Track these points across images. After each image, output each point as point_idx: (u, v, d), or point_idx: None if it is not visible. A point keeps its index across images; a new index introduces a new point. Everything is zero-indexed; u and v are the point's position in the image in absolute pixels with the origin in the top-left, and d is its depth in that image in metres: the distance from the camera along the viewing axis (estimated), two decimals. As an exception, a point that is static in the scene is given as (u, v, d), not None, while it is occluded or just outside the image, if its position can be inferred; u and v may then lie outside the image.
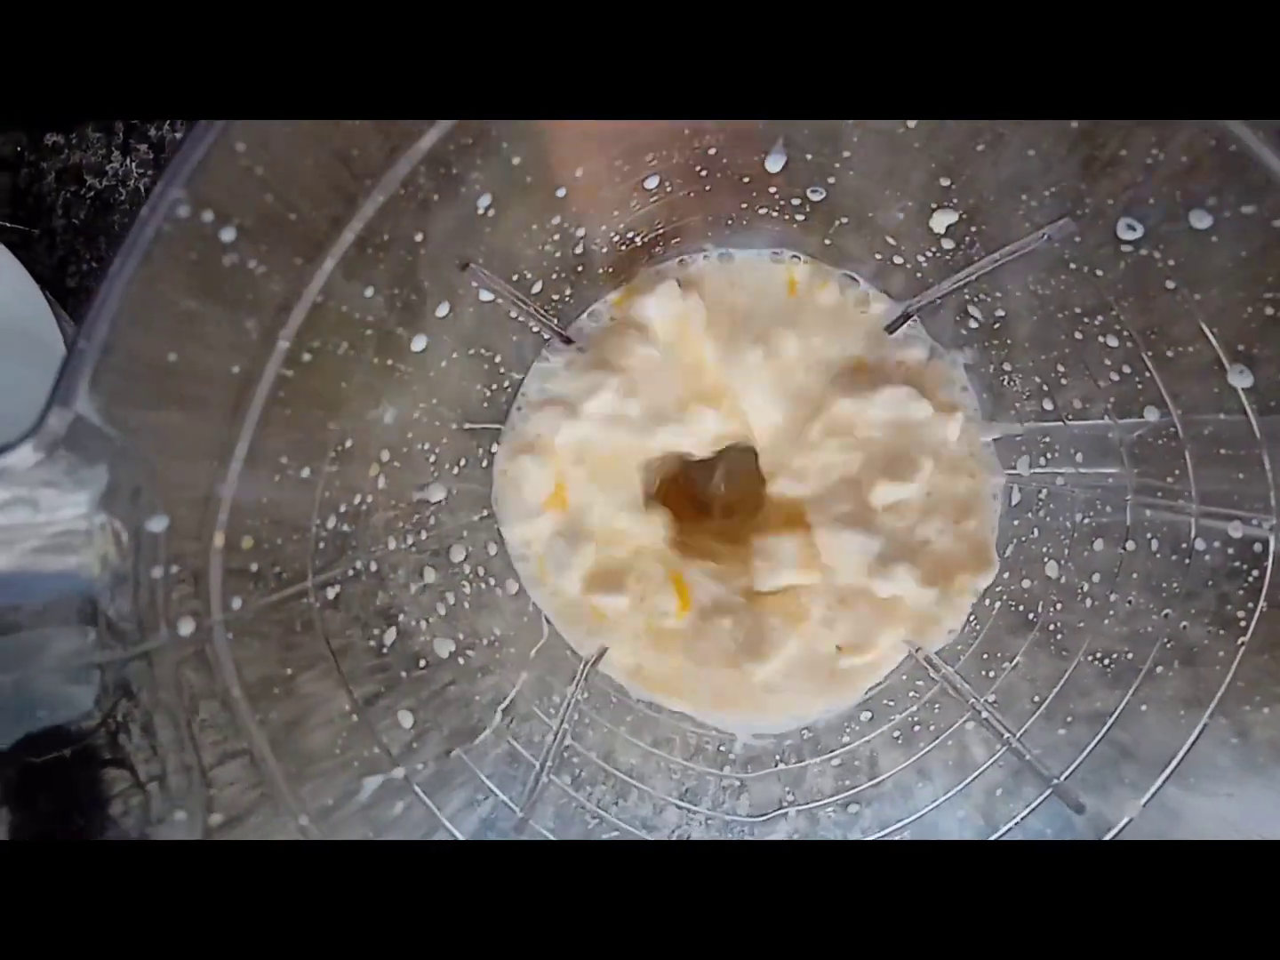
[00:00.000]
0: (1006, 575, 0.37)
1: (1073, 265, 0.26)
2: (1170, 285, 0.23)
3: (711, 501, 0.46)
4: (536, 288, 0.32)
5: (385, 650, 0.27)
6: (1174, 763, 0.24)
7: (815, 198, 0.33)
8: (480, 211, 0.23)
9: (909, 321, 0.38)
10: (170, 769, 0.18)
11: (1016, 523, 0.38)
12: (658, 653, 0.40)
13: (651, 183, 0.30)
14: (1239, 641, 0.24)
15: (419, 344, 0.26)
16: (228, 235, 0.14)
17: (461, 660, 0.31)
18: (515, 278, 0.29)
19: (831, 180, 0.32)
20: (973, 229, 0.29)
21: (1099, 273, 0.25)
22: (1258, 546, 0.24)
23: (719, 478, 0.45)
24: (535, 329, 0.35)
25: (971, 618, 0.38)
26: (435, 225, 0.21)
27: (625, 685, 0.40)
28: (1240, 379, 0.22)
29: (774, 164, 0.29)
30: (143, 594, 0.17)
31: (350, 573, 0.25)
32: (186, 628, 0.18)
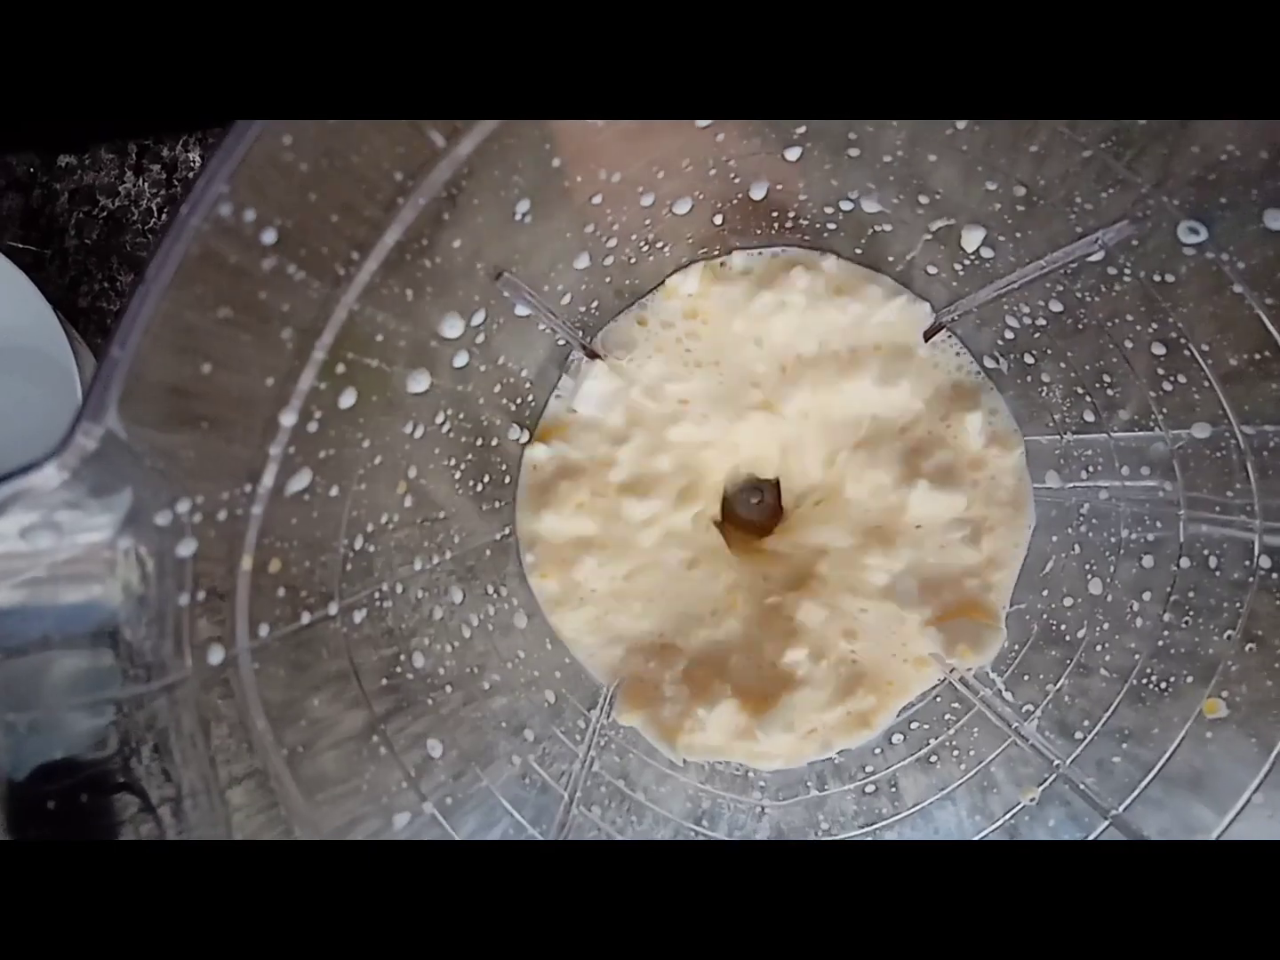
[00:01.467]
0: (1046, 593, 0.36)
1: (1127, 271, 0.25)
2: (1237, 290, 0.22)
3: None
4: (566, 299, 0.31)
5: (411, 675, 0.25)
6: (1245, 797, 0.23)
7: (846, 208, 0.32)
8: (518, 217, 0.22)
9: (942, 331, 0.37)
10: (185, 794, 0.17)
11: (1055, 538, 0.36)
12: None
13: (681, 190, 0.29)
14: (1314, 665, 0.22)
15: (460, 359, 0.25)
16: (268, 238, 0.13)
17: (487, 686, 0.30)
18: (546, 289, 0.28)
19: (863, 190, 0.31)
20: (1017, 235, 0.28)
21: (1156, 278, 0.24)
22: (1331, 564, 0.22)
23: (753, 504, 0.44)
24: (561, 342, 0.35)
25: (1009, 643, 0.37)
26: (472, 232, 0.20)
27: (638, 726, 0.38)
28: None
29: (792, 154, 0.28)
30: (167, 623, 0.15)
31: (376, 595, 0.24)
32: (215, 657, 0.17)
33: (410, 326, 0.21)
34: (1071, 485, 0.35)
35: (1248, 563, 0.25)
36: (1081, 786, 0.28)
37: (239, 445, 0.16)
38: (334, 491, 0.21)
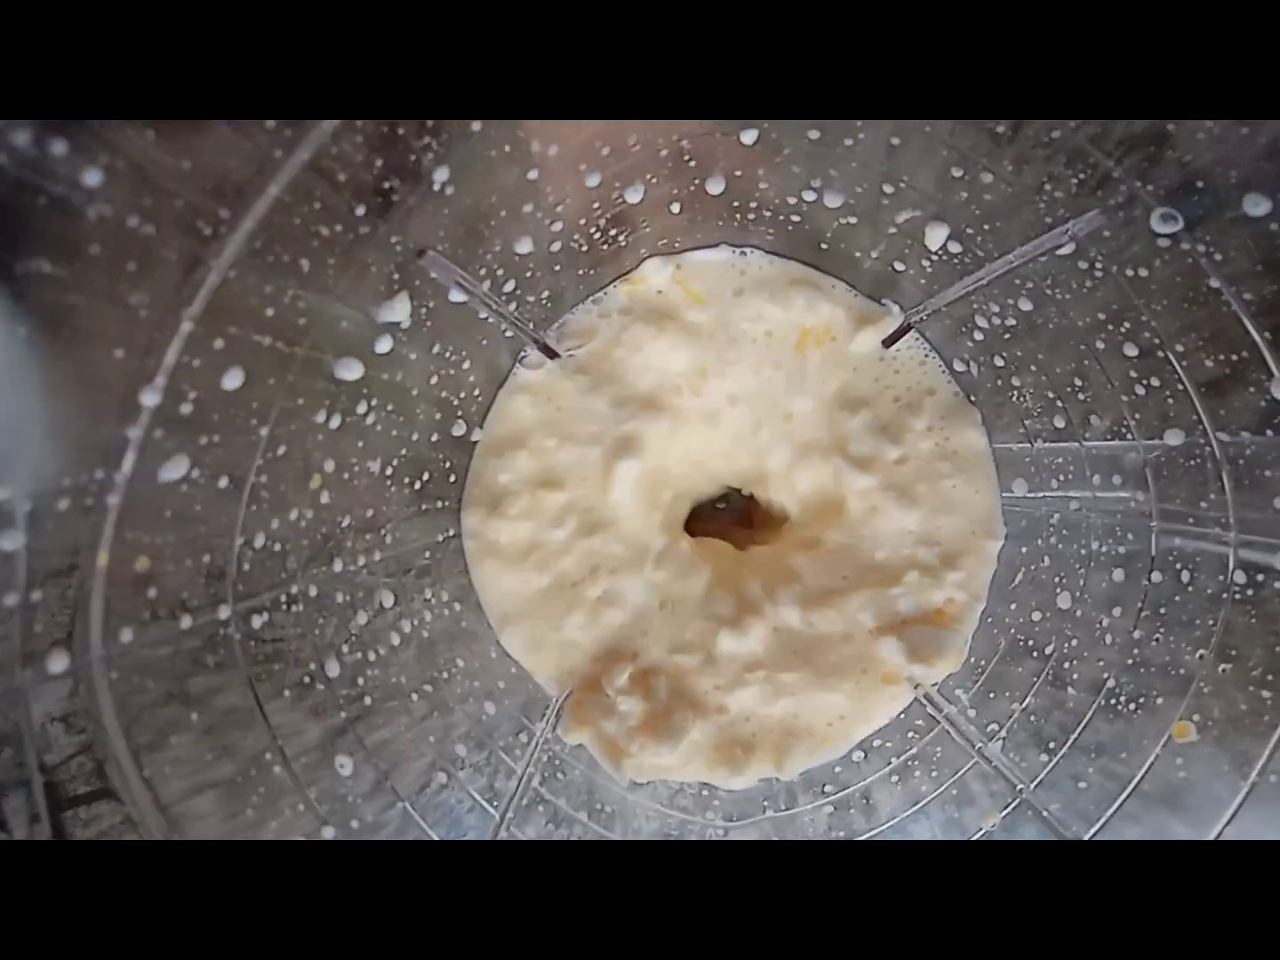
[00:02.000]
0: (1014, 606, 0.34)
1: (1099, 265, 0.23)
2: (1213, 284, 0.20)
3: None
4: (509, 286, 0.29)
5: (321, 685, 0.23)
6: (1218, 828, 0.21)
7: (809, 198, 0.31)
8: (436, 188, 0.20)
9: (909, 334, 0.36)
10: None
11: (1025, 549, 0.35)
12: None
13: (631, 173, 0.27)
14: (1292, 689, 0.21)
15: (382, 345, 0.23)
16: (92, 179, 0.11)
17: (415, 697, 0.28)
18: (483, 272, 0.26)
19: (825, 179, 0.29)
20: (985, 227, 0.26)
21: (1129, 272, 0.23)
22: (1310, 580, 0.21)
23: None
24: (509, 334, 0.33)
25: (974, 658, 0.35)
26: (381, 202, 0.18)
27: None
28: (1260, 396, 0.20)
29: (748, 136, 0.27)
30: (-8, 625, 0.13)
31: (282, 598, 0.22)
32: (57, 665, 0.15)
33: (313, 303, 0.19)
34: (1042, 495, 0.34)
35: (1222, 577, 0.24)
36: (1045, 813, 0.26)
37: (83, 425, 0.14)
38: (223, 483, 0.19)
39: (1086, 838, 0.25)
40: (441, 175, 0.20)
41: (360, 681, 0.25)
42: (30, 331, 0.12)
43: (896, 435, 0.37)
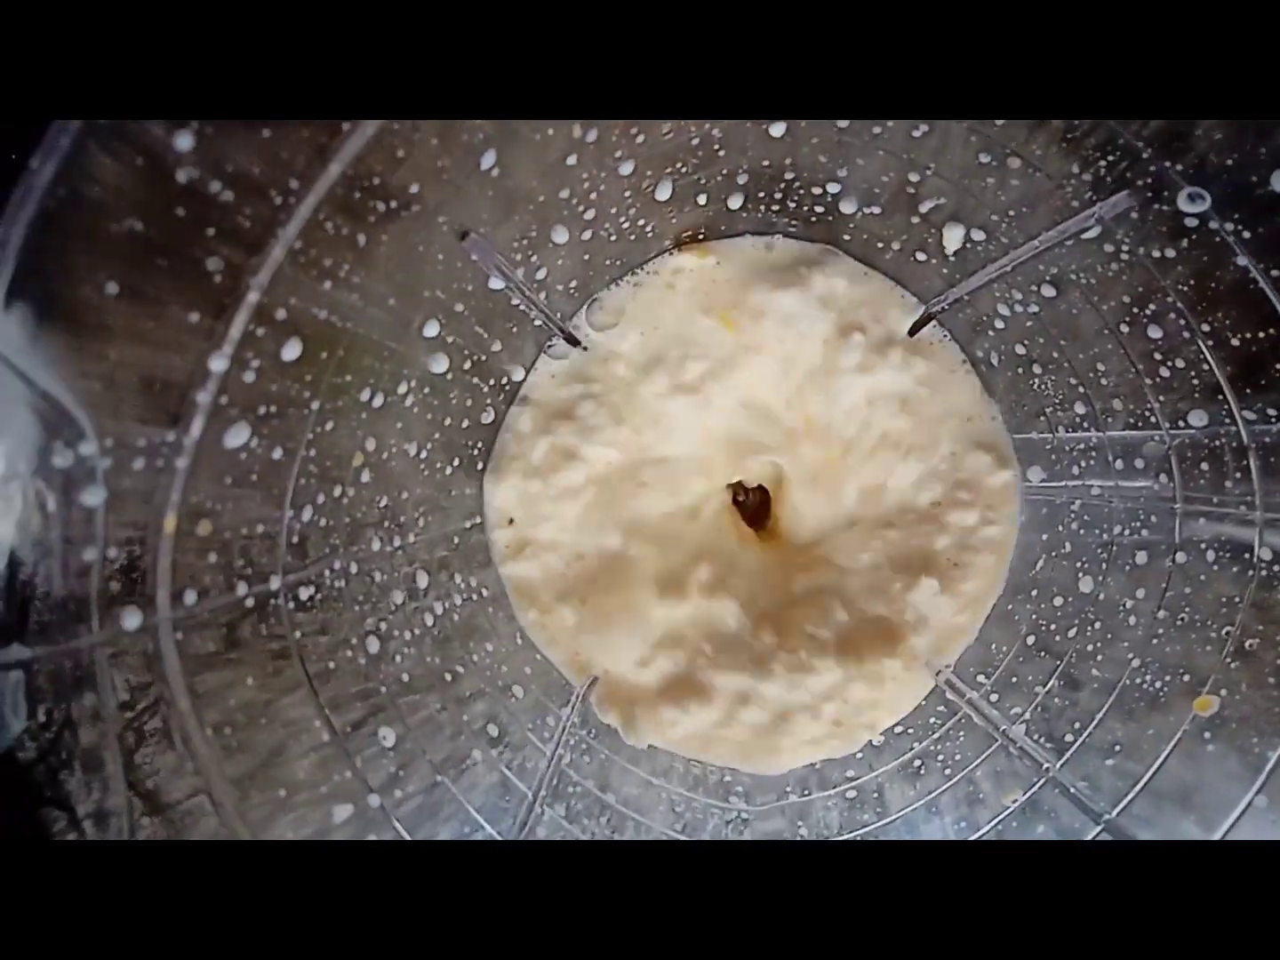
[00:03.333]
0: (1035, 593, 0.35)
1: (1125, 248, 0.24)
2: (1241, 262, 0.21)
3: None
4: (541, 274, 0.29)
5: (365, 664, 0.24)
6: (1243, 804, 0.22)
7: (834, 190, 0.31)
8: (484, 168, 0.20)
9: (931, 323, 0.36)
10: (108, 797, 0.15)
11: (1045, 536, 0.35)
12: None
13: (662, 159, 0.28)
14: (1319, 662, 0.21)
15: (430, 329, 0.24)
16: (184, 142, 0.12)
17: (449, 677, 0.28)
18: (518, 258, 0.26)
19: (852, 167, 0.30)
20: (1010, 214, 0.27)
21: (1155, 254, 0.23)
22: (1337, 555, 0.21)
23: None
24: (538, 322, 0.33)
25: (995, 645, 0.36)
26: (431, 177, 0.19)
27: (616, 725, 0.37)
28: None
29: (777, 129, 0.27)
30: (72, 579, 0.14)
31: (327, 573, 0.23)
32: (130, 621, 0.15)
33: (364, 279, 0.19)
34: (1063, 483, 0.34)
35: (1247, 555, 0.24)
36: (1072, 790, 0.26)
37: (158, 387, 0.14)
38: (277, 454, 0.19)
39: (1113, 814, 0.25)
40: (489, 159, 0.20)
41: (398, 659, 0.26)
42: (118, 290, 0.12)
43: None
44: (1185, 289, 0.23)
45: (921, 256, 0.33)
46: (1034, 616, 0.34)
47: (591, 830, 0.30)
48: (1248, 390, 0.23)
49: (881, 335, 0.37)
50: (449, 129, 0.18)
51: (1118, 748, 0.26)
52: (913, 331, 0.37)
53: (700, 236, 0.36)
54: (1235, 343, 0.23)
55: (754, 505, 0.43)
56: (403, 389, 0.25)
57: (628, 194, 0.28)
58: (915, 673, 0.37)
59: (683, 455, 0.39)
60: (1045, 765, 0.28)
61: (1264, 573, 0.24)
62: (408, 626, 0.27)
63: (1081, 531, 0.33)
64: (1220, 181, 0.20)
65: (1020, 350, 0.33)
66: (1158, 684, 0.26)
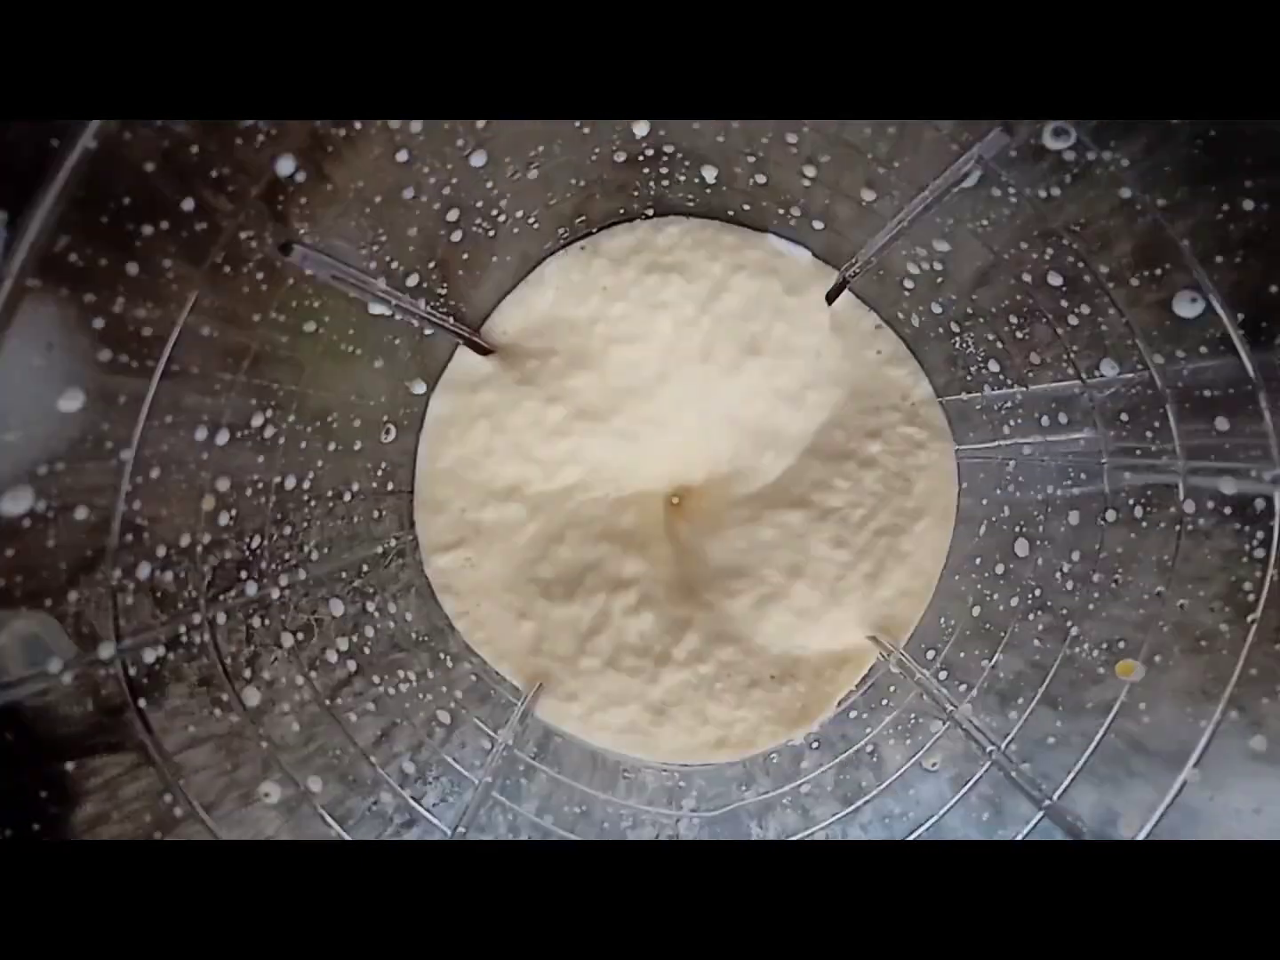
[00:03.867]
0: (979, 561, 0.33)
1: (1011, 191, 0.22)
2: (1124, 193, 0.19)
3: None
4: (412, 280, 0.28)
5: (237, 720, 0.22)
6: (1185, 770, 0.20)
7: (718, 157, 0.30)
8: (283, 176, 0.18)
9: (845, 291, 0.35)
10: None
11: (985, 501, 0.34)
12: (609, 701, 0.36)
13: (523, 148, 0.26)
14: (1249, 619, 0.20)
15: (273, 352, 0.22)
16: None
17: (354, 718, 0.27)
18: (373, 265, 0.25)
19: (727, 133, 0.28)
20: (894, 164, 0.25)
21: (1041, 194, 0.21)
22: (1259, 503, 0.20)
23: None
24: (428, 332, 0.31)
25: (943, 619, 0.34)
26: (214, 196, 0.17)
27: (564, 729, 0.35)
28: (1191, 308, 0.18)
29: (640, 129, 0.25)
30: None
31: (183, 629, 0.21)
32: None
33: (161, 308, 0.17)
34: (996, 443, 0.32)
35: (1173, 509, 0.23)
36: (1014, 774, 0.25)
37: None
38: (80, 514, 0.17)
39: (1056, 797, 0.23)
40: (286, 165, 0.18)
41: (285, 707, 0.24)
42: None
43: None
44: (1077, 229, 0.21)
45: (819, 225, 0.31)
46: (979, 587, 0.33)
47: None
48: (1154, 332, 0.21)
49: (797, 307, 0.35)
50: (224, 140, 0.16)
51: (1059, 723, 0.25)
52: (830, 300, 0.35)
53: (589, 225, 0.34)
54: (1135, 282, 0.21)
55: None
56: (257, 421, 0.23)
57: (491, 185, 0.27)
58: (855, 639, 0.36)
59: (606, 458, 0.37)
60: (990, 748, 0.27)
61: (1190, 527, 0.22)
62: (300, 669, 0.26)
63: (1017, 494, 0.31)
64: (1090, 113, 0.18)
65: (936, 309, 0.31)
66: (1095, 653, 0.25)
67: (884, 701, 0.34)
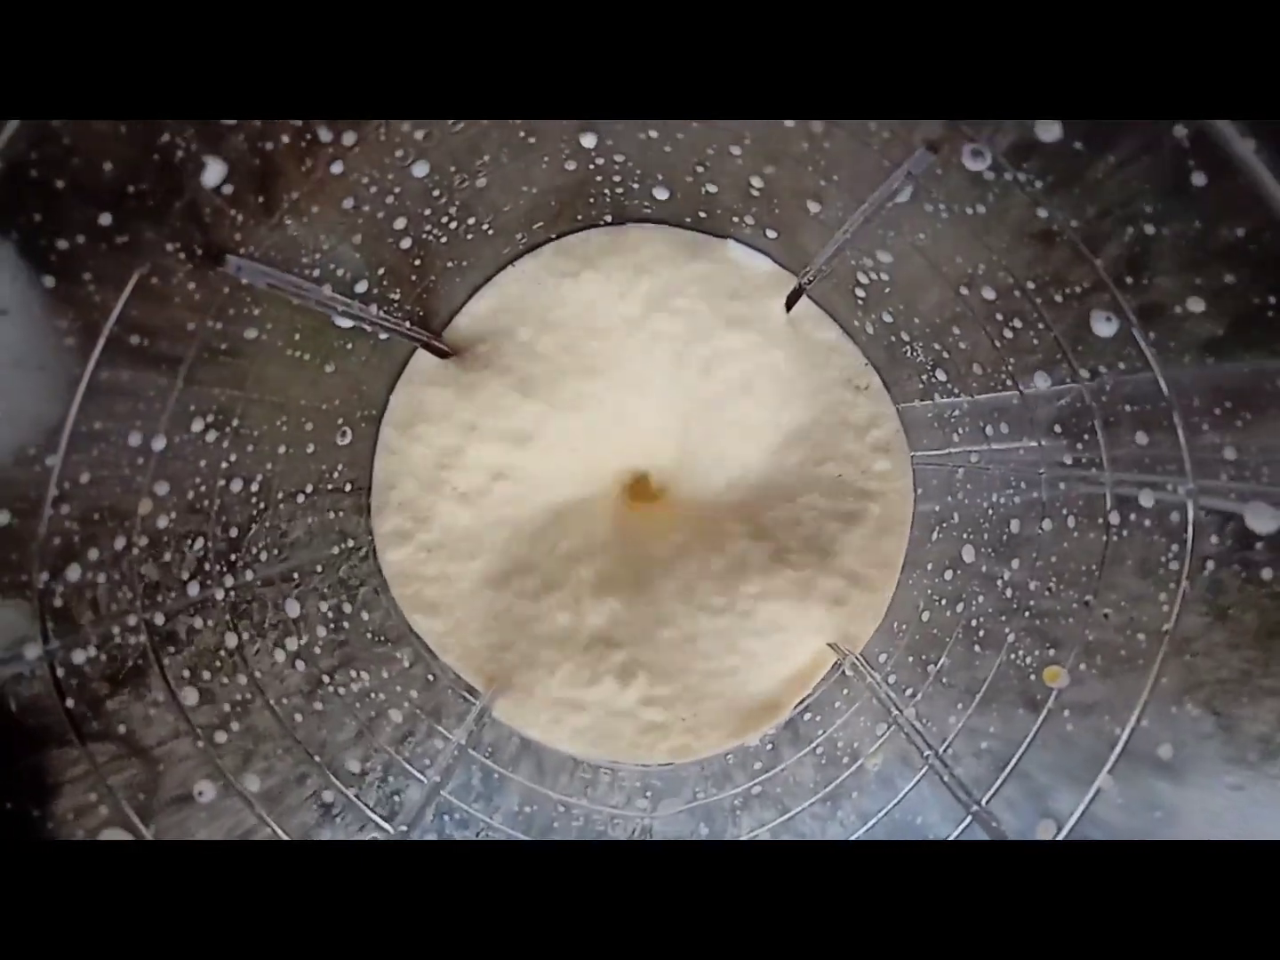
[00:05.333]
0: (930, 566, 0.34)
1: (942, 208, 0.22)
2: (1041, 213, 0.19)
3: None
4: (361, 287, 0.28)
5: (174, 719, 0.22)
6: (1100, 777, 0.21)
7: (660, 185, 0.30)
8: (211, 187, 0.19)
9: (803, 298, 0.35)
10: None
11: (937, 508, 0.34)
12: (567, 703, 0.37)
13: (468, 157, 0.26)
14: (1162, 629, 0.20)
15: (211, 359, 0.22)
16: None
17: (299, 717, 0.27)
18: (317, 274, 0.25)
19: (674, 144, 0.28)
20: (834, 177, 0.25)
21: (968, 211, 0.22)
22: (1175, 516, 0.20)
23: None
24: (384, 337, 0.32)
25: (895, 623, 0.35)
26: (137, 207, 0.17)
27: (520, 729, 0.36)
28: (1107, 327, 0.19)
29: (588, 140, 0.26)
30: None
31: (117, 631, 0.21)
32: None
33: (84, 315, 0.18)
34: (946, 450, 0.33)
35: (1101, 519, 0.23)
36: (946, 779, 0.25)
37: None
38: (2, 519, 0.18)
39: (984, 801, 0.24)
40: (214, 174, 0.19)
41: (226, 707, 0.24)
42: None
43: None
44: (1004, 245, 0.22)
45: (772, 234, 0.31)
46: (929, 593, 0.33)
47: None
48: (1079, 347, 0.22)
49: (755, 313, 0.36)
50: (142, 152, 0.16)
51: (992, 729, 0.25)
52: (788, 307, 0.35)
53: (552, 236, 0.34)
54: (1059, 299, 0.21)
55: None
56: (197, 426, 0.24)
57: (438, 193, 0.27)
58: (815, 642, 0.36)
59: (565, 460, 0.38)
60: (927, 752, 0.27)
61: (1115, 538, 0.22)
62: (245, 669, 0.26)
63: (966, 500, 0.32)
64: (1006, 132, 0.18)
65: (887, 318, 0.31)
66: (1028, 659, 0.25)
67: (836, 704, 0.34)
